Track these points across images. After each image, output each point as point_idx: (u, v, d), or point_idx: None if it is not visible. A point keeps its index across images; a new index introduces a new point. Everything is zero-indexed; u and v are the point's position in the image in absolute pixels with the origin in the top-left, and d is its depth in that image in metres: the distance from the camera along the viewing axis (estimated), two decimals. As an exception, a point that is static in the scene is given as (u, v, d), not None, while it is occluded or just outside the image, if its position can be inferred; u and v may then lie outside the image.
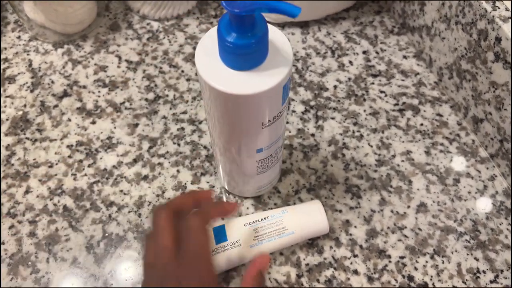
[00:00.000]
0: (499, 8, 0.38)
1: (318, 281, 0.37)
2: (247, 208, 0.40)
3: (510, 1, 0.38)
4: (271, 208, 0.40)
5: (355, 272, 0.37)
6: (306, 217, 0.37)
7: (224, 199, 0.41)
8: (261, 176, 0.37)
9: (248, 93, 0.27)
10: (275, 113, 0.30)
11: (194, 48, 0.52)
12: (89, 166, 0.43)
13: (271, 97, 0.28)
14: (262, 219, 0.37)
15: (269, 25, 0.28)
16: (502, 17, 0.37)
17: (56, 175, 0.42)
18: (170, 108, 0.47)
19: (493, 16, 0.38)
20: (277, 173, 0.40)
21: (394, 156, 0.43)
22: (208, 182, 0.42)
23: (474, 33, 0.41)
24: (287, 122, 0.45)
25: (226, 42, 0.26)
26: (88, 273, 0.37)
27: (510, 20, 0.37)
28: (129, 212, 0.40)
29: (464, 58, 0.43)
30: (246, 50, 0.26)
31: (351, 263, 0.38)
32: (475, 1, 0.39)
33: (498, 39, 0.38)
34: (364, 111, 0.46)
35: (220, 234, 0.36)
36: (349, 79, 0.49)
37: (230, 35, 0.25)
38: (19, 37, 0.53)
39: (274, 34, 0.29)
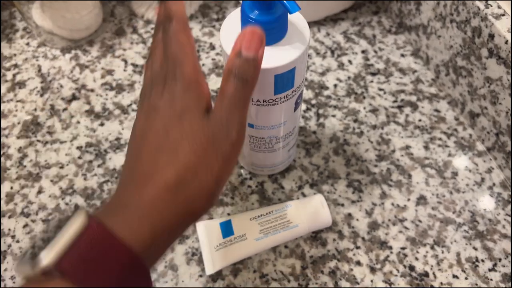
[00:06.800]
0: (491, 6, 0.39)
1: (322, 272, 0.38)
2: (252, 203, 0.42)
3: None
4: (275, 203, 0.41)
5: (358, 263, 0.39)
6: (310, 211, 0.38)
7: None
8: (255, 154, 0.39)
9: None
10: (286, 92, 0.32)
11: (198, 51, 0.53)
12: (98, 166, 0.44)
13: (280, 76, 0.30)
14: (267, 213, 0.38)
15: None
16: (495, 14, 0.39)
17: (67, 175, 0.44)
18: (176, 109, 0.48)
19: (485, 14, 0.39)
20: (274, 163, 0.41)
21: (393, 151, 0.45)
22: (214, 180, 0.43)
23: (468, 31, 0.42)
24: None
25: (249, 18, 0.28)
26: (101, 269, 0.39)
27: (502, 17, 0.38)
28: (138, 209, 0.42)
29: (460, 55, 0.44)
30: (265, 26, 0.28)
31: (354, 255, 0.39)
32: (468, 0, 0.41)
33: (491, 36, 0.39)
34: (364, 108, 0.48)
35: (227, 228, 0.37)
36: (349, 77, 0.50)
37: (253, 12, 0.28)
38: (28, 44, 0.54)
39: (296, 18, 0.31)
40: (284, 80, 0.31)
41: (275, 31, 0.29)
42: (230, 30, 0.30)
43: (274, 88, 0.31)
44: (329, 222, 0.38)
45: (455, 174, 0.43)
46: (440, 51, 0.48)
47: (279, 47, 0.30)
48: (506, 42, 0.37)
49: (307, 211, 0.38)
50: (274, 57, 0.29)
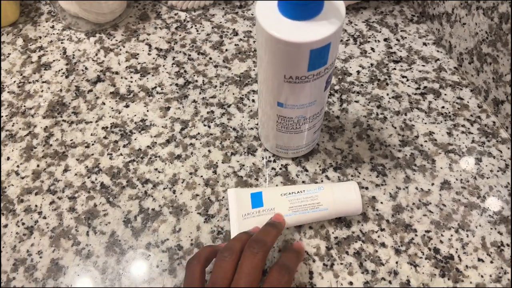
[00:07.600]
0: (520, -9, 0.39)
1: (347, 253, 0.38)
2: (276, 185, 0.42)
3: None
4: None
5: (383, 244, 0.39)
6: (341, 196, 0.38)
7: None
8: (281, 135, 0.40)
9: (294, 41, 0.29)
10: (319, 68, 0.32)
11: (221, 37, 0.54)
12: (124, 146, 0.45)
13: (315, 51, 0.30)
14: (298, 192, 0.38)
15: None
16: (524, -1, 0.39)
17: (92, 154, 0.44)
18: (200, 93, 0.49)
19: (514, -1, 0.39)
20: (299, 145, 0.41)
21: (417, 136, 0.45)
22: (238, 161, 0.44)
23: (496, 17, 0.42)
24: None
25: None
26: (127, 245, 0.39)
27: (531, 2, 0.39)
28: (164, 188, 0.42)
29: (485, 42, 0.44)
30: (303, 0, 0.28)
31: (378, 237, 0.39)
32: (496, -15, 0.41)
33: (520, 21, 0.39)
34: (387, 94, 0.48)
35: (257, 200, 0.38)
36: (372, 64, 0.51)
37: None
38: (53, 27, 0.55)
39: None
40: (319, 56, 0.31)
41: (312, 6, 0.29)
42: (266, 5, 0.31)
43: (308, 64, 0.31)
44: (359, 210, 0.38)
45: (479, 160, 0.43)
46: (464, 39, 0.48)
47: (315, 22, 0.30)
48: (536, 26, 0.37)
49: (339, 197, 0.38)
50: (311, 32, 0.29)
